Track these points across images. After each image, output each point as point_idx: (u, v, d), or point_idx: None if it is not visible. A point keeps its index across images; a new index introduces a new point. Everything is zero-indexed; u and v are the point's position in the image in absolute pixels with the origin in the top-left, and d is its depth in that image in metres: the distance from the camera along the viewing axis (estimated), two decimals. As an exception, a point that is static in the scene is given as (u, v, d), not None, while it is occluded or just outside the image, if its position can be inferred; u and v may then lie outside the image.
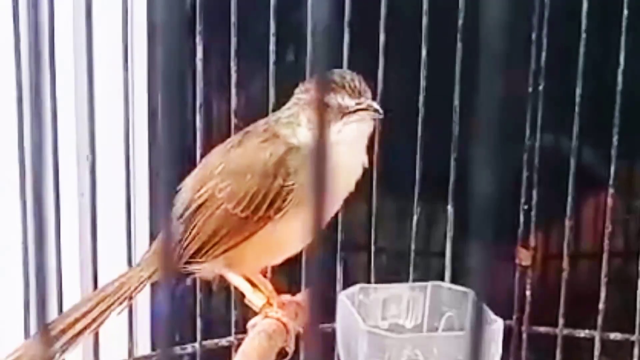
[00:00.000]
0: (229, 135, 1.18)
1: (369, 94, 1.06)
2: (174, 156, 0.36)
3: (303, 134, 1.04)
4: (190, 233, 1.08)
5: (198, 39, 1.25)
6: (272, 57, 1.26)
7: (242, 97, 1.34)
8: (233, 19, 1.25)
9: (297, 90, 1.09)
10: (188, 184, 1.11)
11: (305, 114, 1.04)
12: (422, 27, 1.29)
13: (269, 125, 1.09)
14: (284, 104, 1.11)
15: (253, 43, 1.31)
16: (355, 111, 1.04)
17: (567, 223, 1.34)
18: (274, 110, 1.20)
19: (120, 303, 1.08)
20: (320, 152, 0.35)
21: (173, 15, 0.34)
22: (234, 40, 1.26)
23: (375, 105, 1.06)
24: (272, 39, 1.25)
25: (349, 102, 1.04)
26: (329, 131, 0.39)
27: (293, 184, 1.04)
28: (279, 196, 1.04)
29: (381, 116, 1.06)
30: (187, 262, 1.09)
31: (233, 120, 1.27)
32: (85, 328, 1.06)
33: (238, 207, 1.05)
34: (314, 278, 0.36)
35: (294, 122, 1.06)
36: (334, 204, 1.10)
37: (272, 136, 1.07)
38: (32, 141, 0.37)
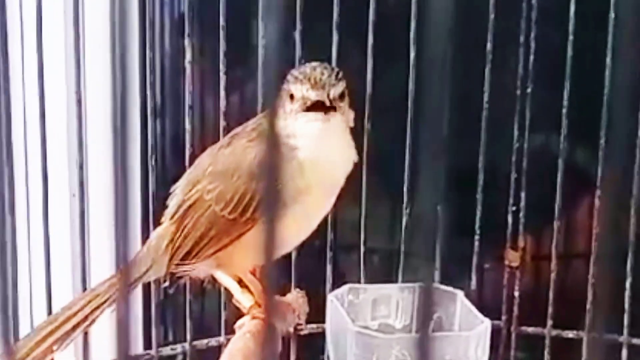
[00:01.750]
0: (218, 137, 1.18)
1: (336, 89, 1.01)
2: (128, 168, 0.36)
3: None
4: (180, 234, 1.08)
5: (187, 41, 1.26)
6: (260, 59, 1.26)
7: (232, 98, 1.34)
8: (222, 21, 1.26)
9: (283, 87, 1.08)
10: (181, 185, 1.12)
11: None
12: (411, 30, 1.30)
13: (257, 125, 1.08)
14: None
15: (242, 45, 1.31)
16: (312, 105, 1.00)
17: (556, 224, 1.35)
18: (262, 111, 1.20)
19: (111, 304, 1.08)
20: (271, 146, 0.35)
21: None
22: (222, 43, 1.26)
23: (327, 102, 1.00)
24: (261, 41, 1.26)
25: (311, 94, 1.00)
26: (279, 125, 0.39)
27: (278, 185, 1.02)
28: None
29: (329, 117, 1.00)
30: (178, 264, 1.09)
31: (222, 122, 1.28)
32: (75, 328, 1.06)
33: (226, 209, 1.05)
34: (273, 281, 0.37)
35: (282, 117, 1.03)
36: (327, 200, 1.08)
37: (259, 136, 1.05)
38: None
